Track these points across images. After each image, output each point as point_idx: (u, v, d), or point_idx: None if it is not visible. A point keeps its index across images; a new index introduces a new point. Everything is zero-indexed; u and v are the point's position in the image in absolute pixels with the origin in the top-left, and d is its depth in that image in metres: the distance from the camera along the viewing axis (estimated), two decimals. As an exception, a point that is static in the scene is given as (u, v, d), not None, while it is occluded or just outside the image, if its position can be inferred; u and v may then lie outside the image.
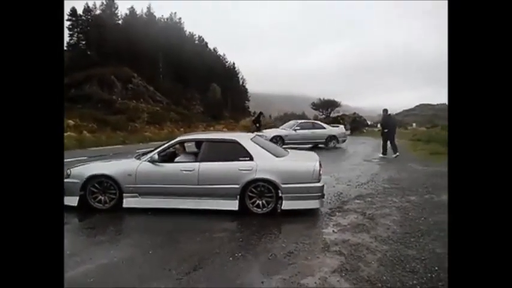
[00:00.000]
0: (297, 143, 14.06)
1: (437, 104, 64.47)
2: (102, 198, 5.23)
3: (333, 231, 4.46)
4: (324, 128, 15.87)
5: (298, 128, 15.12)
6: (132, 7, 55.47)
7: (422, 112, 56.23)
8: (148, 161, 5.26)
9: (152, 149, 5.67)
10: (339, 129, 16.29)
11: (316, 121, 18.19)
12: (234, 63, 73.48)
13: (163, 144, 5.58)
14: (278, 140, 14.07)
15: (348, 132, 26.30)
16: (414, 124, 39.10)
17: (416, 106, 64.24)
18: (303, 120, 17.79)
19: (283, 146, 13.43)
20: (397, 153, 12.00)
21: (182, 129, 27.60)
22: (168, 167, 5.28)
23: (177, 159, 5.51)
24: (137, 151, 6.58)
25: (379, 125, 31.64)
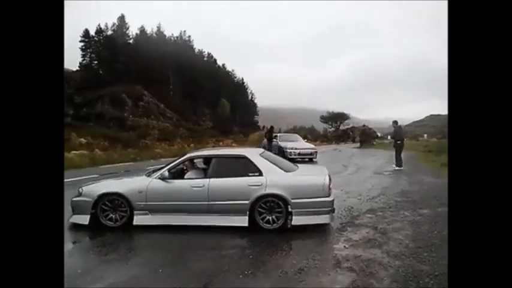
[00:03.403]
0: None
1: (447, 115, 63.91)
2: (113, 216, 5.27)
3: (344, 246, 4.40)
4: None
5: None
6: (142, 26, 56.97)
7: (432, 123, 55.60)
8: (159, 178, 5.30)
9: (163, 165, 5.73)
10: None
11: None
12: (242, 78, 74.36)
13: (174, 161, 5.64)
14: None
15: (357, 144, 26.12)
16: (425, 135, 38.64)
17: (426, 117, 63.63)
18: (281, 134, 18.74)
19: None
20: (401, 167, 11.94)
21: (192, 144, 27.77)
22: (178, 183, 5.31)
23: (187, 175, 5.55)
24: (148, 168, 6.65)
25: (389, 137, 31.47)
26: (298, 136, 17.87)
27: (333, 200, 5.13)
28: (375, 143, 29.54)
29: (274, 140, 16.50)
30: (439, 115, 64.20)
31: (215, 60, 69.31)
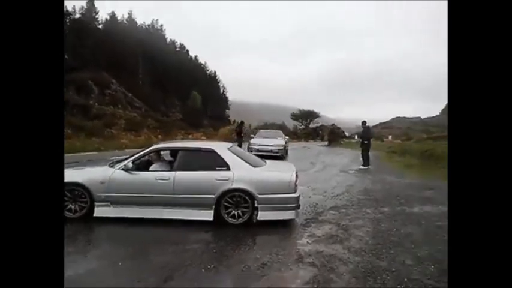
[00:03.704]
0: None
1: (412, 118, 66.60)
2: (73, 207, 5.04)
3: (307, 242, 4.48)
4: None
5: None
6: (112, 12, 54.77)
7: (398, 125, 57.82)
8: (122, 169, 5.14)
9: (127, 156, 5.56)
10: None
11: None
12: (215, 72, 73.55)
13: (139, 152, 5.48)
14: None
15: (326, 143, 26.66)
16: (390, 136, 40.06)
17: (393, 119, 66.05)
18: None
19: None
20: (369, 166, 12.30)
21: (160, 136, 27.17)
22: (143, 175, 5.18)
23: (152, 167, 5.41)
24: (111, 158, 6.43)
25: (356, 137, 32.33)
26: (280, 134, 17.18)
27: (299, 196, 5.20)
28: (342, 142, 30.27)
29: (253, 135, 16.53)
30: (404, 117, 66.88)
31: (187, 51, 68.08)
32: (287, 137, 18.63)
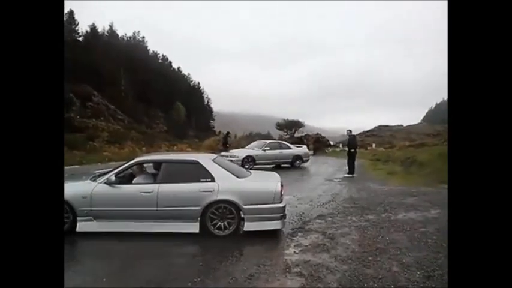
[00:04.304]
0: (265, 163, 14.50)
1: (395, 126, 67.89)
2: (53, 222, 4.89)
3: (294, 252, 4.46)
4: (290, 148, 16.19)
5: (268, 148, 15.33)
6: (93, 24, 54.30)
7: (381, 133, 58.76)
8: (105, 183, 5.04)
9: (109, 169, 5.45)
10: (303, 150, 16.71)
11: (282, 141, 18.34)
12: (199, 83, 73.55)
13: (121, 165, 5.39)
14: (250, 160, 14.21)
15: (311, 152, 26.83)
16: (374, 144, 40.62)
17: (375, 127, 67.09)
18: (270, 141, 17.99)
19: (255, 166, 13.55)
20: (354, 174, 12.42)
21: (144, 148, 26.81)
22: (126, 188, 5.08)
23: (135, 180, 5.32)
24: (94, 172, 6.29)
25: (341, 145, 32.65)
26: (288, 145, 16.66)
27: (285, 206, 5.19)
28: (327, 150, 30.50)
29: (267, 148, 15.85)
30: (386, 126, 67.99)
31: (170, 62, 68.01)
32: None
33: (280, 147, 15.93)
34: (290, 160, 15.38)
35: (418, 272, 3.78)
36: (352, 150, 12.77)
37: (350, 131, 13.12)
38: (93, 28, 54.06)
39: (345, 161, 12.98)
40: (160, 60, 65.29)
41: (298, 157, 15.68)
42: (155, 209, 4.93)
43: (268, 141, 16.79)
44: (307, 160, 16.33)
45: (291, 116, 46.40)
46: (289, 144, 16.88)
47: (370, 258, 4.22)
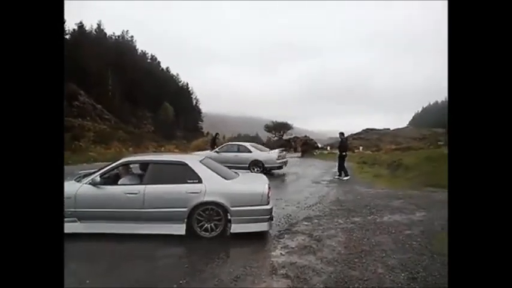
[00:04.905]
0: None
1: (382, 129, 68.74)
2: (35, 224, 4.79)
3: (281, 253, 4.47)
4: (250, 151, 14.15)
5: (223, 150, 14.35)
6: (81, 22, 53.54)
7: (368, 136, 59.35)
8: (90, 184, 4.97)
9: (94, 170, 5.37)
10: (268, 155, 14.14)
11: (243, 144, 15.51)
12: (187, 83, 73.22)
13: (107, 166, 5.31)
14: None
15: (299, 154, 26.91)
16: (361, 148, 41.05)
17: (363, 130, 67.77)
18: (232, 143, 16.43)
19: None
20: (348, 176, 12.45)
21: (131, 148, 26.52)
22: (111, 189, 5.01)
23: (120, 181, 5.25)
24: (79, 172, 6.18)
25: (329, 148, 32.88)
26: (249, 148, 15.76)
27: (272, 208, 5.20)
28: (315, 153, 30.68)
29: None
30: (373, 129, 68.77)
31: (159, 62, 67.55)
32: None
33: (238, 149, 14.32)
34: (246, 165, 13.27)
35: (403, 274, 3.83)
36: (344, 153, 12.82)
37: (342, 133, 13.11)
38: (80, 26, 53.36)
39: (333, 163, 13.04)
40: (149, 60, 64.85)
41: (257, 163, 13.51)
42: (141, 210, 4.88)
43: (230, 143, 15.81)
44: (275, 168, 13.93)
45: (280, 118, 46.44)
46: (251, 148, 14.65)
47: (355, 260, 4.26)
